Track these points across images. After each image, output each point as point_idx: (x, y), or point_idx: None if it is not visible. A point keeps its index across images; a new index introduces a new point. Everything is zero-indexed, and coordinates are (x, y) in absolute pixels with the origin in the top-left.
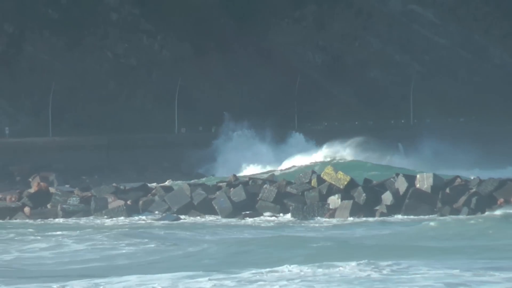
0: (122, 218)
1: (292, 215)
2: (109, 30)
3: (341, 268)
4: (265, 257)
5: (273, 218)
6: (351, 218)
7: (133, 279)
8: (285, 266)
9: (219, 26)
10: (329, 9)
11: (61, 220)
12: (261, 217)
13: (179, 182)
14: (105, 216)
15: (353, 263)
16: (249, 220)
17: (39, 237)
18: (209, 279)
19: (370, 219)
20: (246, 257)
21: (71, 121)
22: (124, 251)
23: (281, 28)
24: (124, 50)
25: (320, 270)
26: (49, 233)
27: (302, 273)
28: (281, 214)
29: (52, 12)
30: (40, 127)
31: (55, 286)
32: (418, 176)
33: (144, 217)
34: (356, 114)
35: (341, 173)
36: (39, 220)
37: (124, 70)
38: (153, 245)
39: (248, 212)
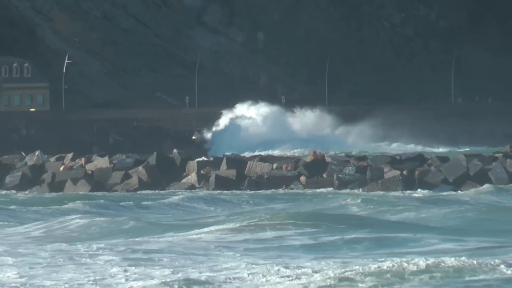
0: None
1: None
2: (386, 0)
3: None
4: None
5: None
6: None
7: None
8: None
9: None
10: None
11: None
12: None
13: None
14: (380, 187)
15: None
16: None
17: None
18: None
19: None
20: None
21: (347, 90)
22: None
23: None
24: (401, 19)
25: None
26: None
27: None
28: None
29: None
30: (316, 96)
31: None
32: None
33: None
34: None
35: None
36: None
37: (400, 40)
38: None
39: None
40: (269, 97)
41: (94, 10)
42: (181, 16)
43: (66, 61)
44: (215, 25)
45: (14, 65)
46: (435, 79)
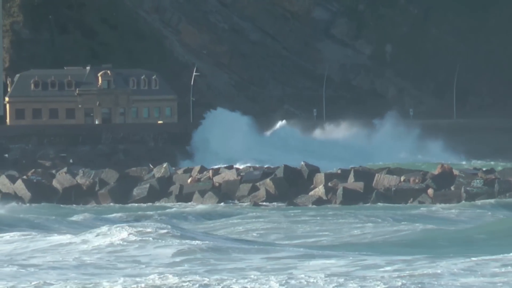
0: None
1: None
2: None
3: None
4: None
5: None
6: None
7: None
8: None
9: None
10: None
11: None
12: None
13: None
14: (510, 199)
15: None
16: None
17: None
18: None
19: None
20: None
21: (475, 103)
22: None
23: None
24: None
25: None
26: None
27: None
28: None
29: None
30: (444, 108)
31: None
32: None
33: None
34: None
35: None
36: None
37: None
38: None
39: None
40: (397, 110)
41: (222, 22)
42: (309, 29)
43: (194, 73)
44: (343, 37)
45: (142, 77)
46: None
